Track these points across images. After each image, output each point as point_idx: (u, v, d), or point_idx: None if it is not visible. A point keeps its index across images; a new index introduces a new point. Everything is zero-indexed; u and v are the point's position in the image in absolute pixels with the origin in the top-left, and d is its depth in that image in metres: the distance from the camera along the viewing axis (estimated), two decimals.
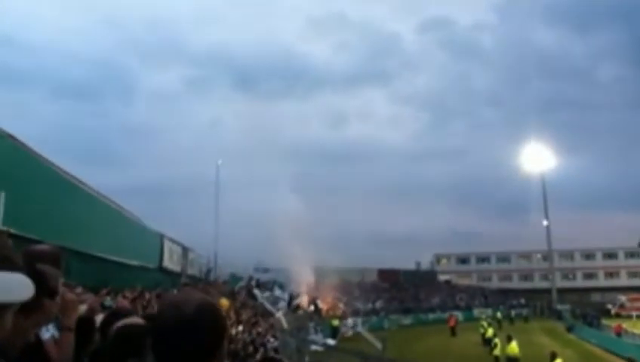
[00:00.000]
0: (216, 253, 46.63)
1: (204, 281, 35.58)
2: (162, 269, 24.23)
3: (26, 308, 1.68)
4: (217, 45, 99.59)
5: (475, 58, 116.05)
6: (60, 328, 2.39)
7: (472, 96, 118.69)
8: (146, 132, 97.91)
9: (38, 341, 2.22)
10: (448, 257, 77.98)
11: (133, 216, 20.57)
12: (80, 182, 14.64)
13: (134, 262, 18.69)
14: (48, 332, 2.33)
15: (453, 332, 37.79)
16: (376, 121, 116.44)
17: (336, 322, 36.81)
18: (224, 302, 21.57)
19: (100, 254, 14.79)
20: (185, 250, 30.39)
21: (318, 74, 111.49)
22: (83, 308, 2.93)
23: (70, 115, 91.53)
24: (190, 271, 32.56)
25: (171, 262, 26.36)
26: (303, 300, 41.27)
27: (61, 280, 2.29)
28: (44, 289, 1.80)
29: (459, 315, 45.70)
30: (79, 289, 8.06)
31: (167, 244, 25.39)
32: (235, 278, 45.20)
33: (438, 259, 77.93)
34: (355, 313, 43.81)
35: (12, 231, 8.86)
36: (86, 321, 2.70)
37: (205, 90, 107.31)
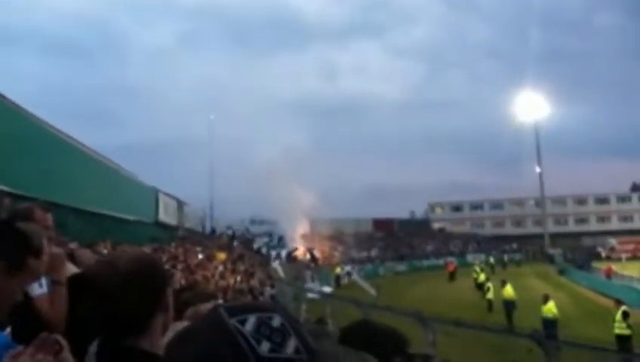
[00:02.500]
0: (212, 206, 46.99)
1: (200, 234, 35.94)
2: (158, 223, 24.41)
3: (10, 268, 1.69)
4: None
5: (472, 8, 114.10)
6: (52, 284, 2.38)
7: (469, 48, 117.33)
8: (138, 89, 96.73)
9: (27, 299, 2.20)
10: (442, 206, 78.73)
11: (127, 172, 20.58)
12: (73, 139, 14.57)
13: (130, 217, 18.81)
14: (40, 289, 2.30)
15: (452, 277, 38.76)
16: (371, 74, 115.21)
17: (338, 270, 37.61)
18: (220, 255, 21.84)
19: (95, 210, 14.86)
20: (180, 204, 30.55)
21: (311, 26, 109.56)
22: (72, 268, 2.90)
23: (62, 73, 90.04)
24: (187, 224, 32.84)
25: (167, 216, 26.54)
26: (299, 250, 41.91)
27: (47, 237, 2.27)
28: (28, 247, 1.78)
29: (451, 261, 46.55)
30: (74, 245, 8.12)
31: (162, 198, 25.50)
32: (230, 230, 45.67)
33: (432, 207, 78.70)
34: (351, 262, 44.60)
35: (5, 188, 8.88)
36: (80, 278, 2.69)
37: (197, 45, 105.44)
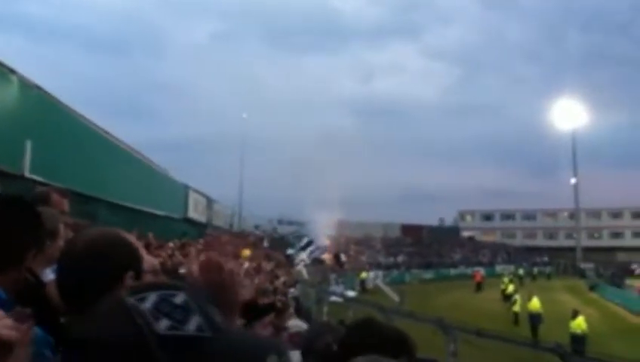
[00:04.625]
0: (241, 205, 47.37)
1: (228, 232, 36.27)
2: (187, 220, 24.74)
3: (37, 253, 1.73)
4: None
5: (511, 10, 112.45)
6: None
7: (506, 51, 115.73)
8: (175, 86, 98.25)
9: (39, 282, 2.22)
10: (472, 214, 77.82)
11: (158, 167, 20.92)
12: (107, 133, 14.89)
13: (160, 212, 19.11)
14: (52, 275, 2.33)
15: (479, 287, 38.19)
16: (405, 76, 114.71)
17: (364, 274, 37.47)
18: (246, 252, 22.00)
19: (126, 203, 15.15)
20: (210, 202, 30.90)
21: (348, 27, 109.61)
22: None
23: (101, 69, 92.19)
24: (215, 222, 33.19)
25: (196, 213, 26.88)
26: (326, 253, 41.90)
27: (63, 222, 2.29)
28: (43, 230, 1.80)
29: (478, 270, 45.87)
30: None
31: (192, 195, 25.84)
32: (258, 230, 45.97)
33: (462, 215, 77.83)
34: (377, 267, 44.36)
35: (39, 179, 9.13)
36: None
37: (234, 44, 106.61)
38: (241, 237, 34.79)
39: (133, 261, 1.48)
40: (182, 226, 22.53)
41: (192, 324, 0.81)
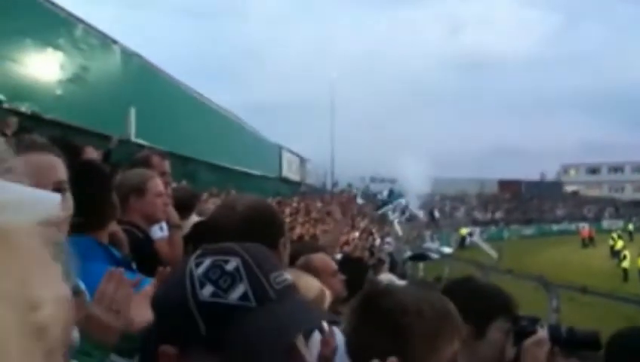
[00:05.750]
0: (333, 163, 47.76)
1: (321, 190, 36.83)
2: (282, 179, 25.37)
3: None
4: None
5: None
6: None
7: None
8: (262, 51, 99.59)
9: (147, 238, 2.37)
10: (577, 167, 73.51)
11: (253, 129, 21.49)
12: (204, 97, 15.45)
13: (256, 172, 19.72)
14: (160, 233, 2.48)
15: (585, 243, 36.95)
16: (498, 26, 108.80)
17: (464, 231, 36.88)
18: (337, 210, 22.23)
19: (223, 164, 15.75)
20: (303, 161, 31.45)
21: None
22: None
23: (191, 34, 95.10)
24: (309, 180, 33.81)
25: (290, 172, 27.49)
26: (419, 210, 41.48)
27: (165, 182, 2.42)
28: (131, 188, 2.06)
29: (584, 226, 43.54)
30: (205, 196, 8.71)
31: (285, 155, 26.40)
32: (351, 188, 46.17)
33: (565, 169, 73.78)
34: (473, 223, 43.36)
35: (143, 142, 9.67)
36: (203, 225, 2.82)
37: (317, 4, 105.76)
38: (335, 196, 35.22)
39: (283, 228, 1.58)
40: (277, 185, 23.17)
41: (237, 293, 0.80)
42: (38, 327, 0.32)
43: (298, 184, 29.65)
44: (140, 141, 10.00)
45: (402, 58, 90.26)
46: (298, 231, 13.42)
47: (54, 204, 0.40)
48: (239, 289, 0.80)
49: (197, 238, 2.44)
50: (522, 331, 1.57)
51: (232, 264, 0.82)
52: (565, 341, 1.59)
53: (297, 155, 29.98)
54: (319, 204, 22.38)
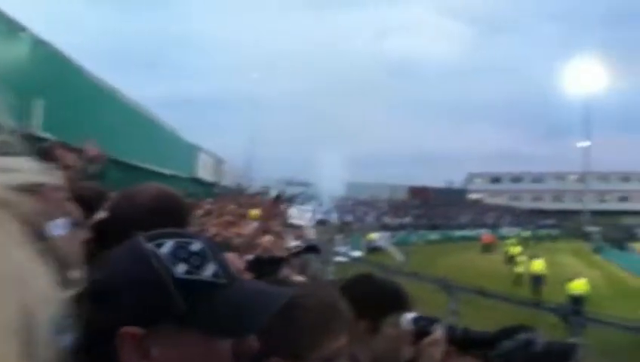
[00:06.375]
0: (250, 165, 47.52)
1: (236, 192, 36.47)
2: (196, 179, 24.92)
3: None
4: None
5: None
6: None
7: (524, 10, 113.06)
8: (184, 40, 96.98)
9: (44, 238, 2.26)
10: (481, 176, 77.70)
11: (167, 125, 20.97)
12: (115, 89, 14.90)
13: (168, 171, 19.27)
14: (61, 229, 2.40)
15: (486, 248, 38.83)
16: (419, 35, 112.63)
17: (373, 235, 37.77)
18: (254, 213, 22.19)
19: (133, 162, 15.28)
20: (218, 162, 31.04)
21: None
22: None
23: (107, 21, 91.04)
24: (224, 182, 33.37)
25: (205, 173, 27.04)
26: (332, 214, 42.13)
27: (68, 177, 2.37)
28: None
29: (485, 233, 46.11)
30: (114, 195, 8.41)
31: (200, 155, 25.96)
32: (267, 190, 46.08)
33: (471, 177, 77.73)
34: (383, 228, 44.65)
35: (49, 136, 9.23)
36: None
37: (248, 3, 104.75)
38: (251, 198, 34.98)
39: (189, 218, 1.55)
40: (189, 185, 22.72)
41: (209, 270, 0.83)
42: None
43: (213, 185, 29.22)
44: (46, 135, 9.53)
45: (325, 61, 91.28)
46: (210, 232, 13.27)
47: (33, 171, 0.38)
48: (210, 268, 0.84)
49: (100, 235, 2.48)
50: (421, 331, 1.61)
51: (196, 245, 0.85)
52: (460, 340, 1.66)
53: (213, 155, 29.55)
54: (234, 206, 22.20)
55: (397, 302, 1.65)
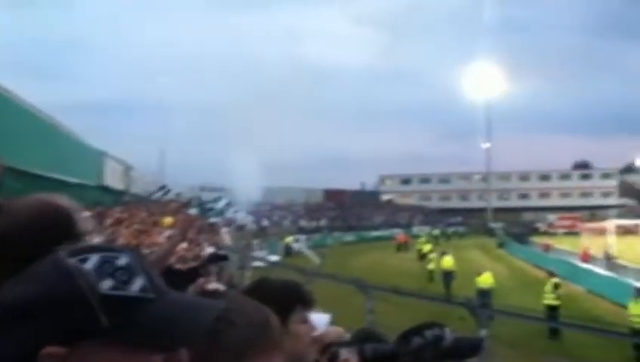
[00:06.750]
0: (162, 172, 46.17)
1: (147, 200, 35.29)
2: (103, 187, 23.85)
3: None
4: None
5: None
6: None
7: (428, 19, 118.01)
8: (90, 46, 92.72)
9: None
10: (392, 178, 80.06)
11: (71, 131, 19.92)
12: (10, 93, 13.95)
13: (73, 179, 18.29)
14: None
15: (400, 248, 39.89)
16: (329, 40, 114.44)
17: (289, 239, 37.80)
18: (167, 220, 21.56)
19: (34, 170, 14.38)
20: (127, 168, 29.86)
21: None
22: None
23: (6, 23, 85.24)
24: (134, 189, 32.16)
25: (113, 180, 25.93)
26: (248, 219, 41.83)
27: None
28: None
29: (399, 233, 47.59)
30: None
31: (108, 162, 24.84)
32: (180, 197, 45.01)
33: (382, 179, 79.89)
34: (299, 231, 44.89)
35: None
36: None
37: (153, 3, 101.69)
38: (163, 205, 33.95)
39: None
40: (97, 194, 21.73)
41: (136, 285, 0.80)
42: None
43: (122, 193, 28.08)
44: None
45: (237, 65, 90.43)
46: (119, 242, 12.74)
47: None
48: (138, 282, 0.80)
49: None
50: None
51: (122, 260, 0.82)
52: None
53: (122, 162, 28.38)
54: (145, 214, 21.47)
55: (299, 297, 1.65)
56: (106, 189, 24.52)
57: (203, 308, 0.86)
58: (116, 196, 26.23)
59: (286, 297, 1.62)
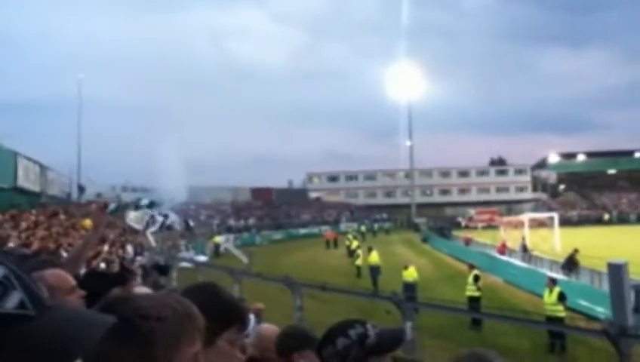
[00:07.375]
0: (80, 173, 44.26)
1: (66, 201, 33.79)
2: (17, 189, 22.61)
3: None
4: None
5: None
6: None
7: (349, 20, 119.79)
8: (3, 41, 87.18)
9: None
10: (319, 176, 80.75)
11: None
12: None
13: None
14: None
15: (329, 244, 40.23)
16: (253, 39, 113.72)
17: (218, 238, 37.23)
18: (87, 222, 20.75)
19: None
20: (43, 169, 28.45)
21: None
22: None
23: None
24: (51, 191, 30.69)
25: (28, 182, 24.63)
26: (174, 219, 40.90)
27: None
28: None
29: (327, 230, 48.10)
30: None
31: (21, 162, 23.58)
32: (101, 198, 43.39)
33: (310, 177, 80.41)
34: (228, 230, 44.41)
35: None
36: None
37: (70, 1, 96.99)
38: (82, 207, 32.61)
39: None
40: (11, 196, 20.59)
41: (13, 301, 0.73)
42: None
43: (38, 195, 26.71)
44: None
45: (157, 63, 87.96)
46: (36, 246, 12.14)
47: None
48: (14, 297, 0.74)
49: None
50: None
51: None
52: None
53: (37, 162, 26.98)
54: (63, 217, 20.56)
55: (235, 317, 1.58)
56: (21, 191, 23.29)
57: (92, 324, 0.81)
58: (32, 198, 24.97)
59: (224, 313, 1.54)
